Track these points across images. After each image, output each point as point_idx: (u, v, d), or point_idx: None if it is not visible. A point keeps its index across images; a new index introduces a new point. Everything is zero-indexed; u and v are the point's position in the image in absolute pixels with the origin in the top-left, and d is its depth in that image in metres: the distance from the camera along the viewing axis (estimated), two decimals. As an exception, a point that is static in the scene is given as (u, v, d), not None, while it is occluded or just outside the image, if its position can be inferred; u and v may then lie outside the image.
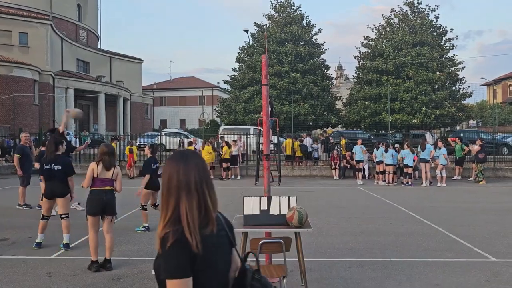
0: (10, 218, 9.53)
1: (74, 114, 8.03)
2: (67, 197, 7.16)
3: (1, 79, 32.48)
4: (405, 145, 16.83)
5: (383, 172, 17.11)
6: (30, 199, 10.97)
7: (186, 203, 1.75)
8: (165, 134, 27.72)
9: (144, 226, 8.40)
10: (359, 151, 17.98)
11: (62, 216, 6.97)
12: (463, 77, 34.02)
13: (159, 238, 1.78)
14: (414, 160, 16.71)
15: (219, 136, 22.97)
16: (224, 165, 18.91)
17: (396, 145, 18.33)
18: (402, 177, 16.87)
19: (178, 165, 1.81)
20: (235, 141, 19.96)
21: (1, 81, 32.46)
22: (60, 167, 6.99)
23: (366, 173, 18.83)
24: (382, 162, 17.04)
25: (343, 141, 20.84)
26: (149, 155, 8.60)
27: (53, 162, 6.98)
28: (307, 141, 21.78)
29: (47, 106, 37.09)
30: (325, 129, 36.35)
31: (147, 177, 8.11)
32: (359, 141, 18.55)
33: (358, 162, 17.92)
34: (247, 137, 21.73)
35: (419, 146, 16.80)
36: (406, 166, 16.48)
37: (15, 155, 11.12)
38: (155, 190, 8.32)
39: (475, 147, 17.98)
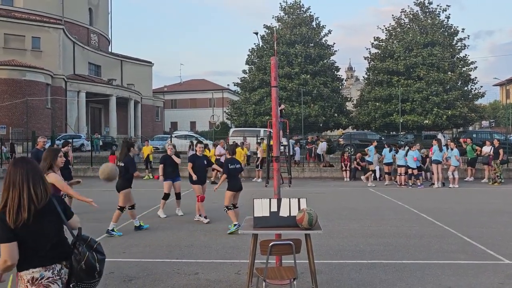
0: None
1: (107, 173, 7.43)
2: (123, 192, 8.19)
3: (14, 83, 32.98)
4: (414, 147, 16.73)
5: (390, 173, 17.21)
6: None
7: (11, 194, 2.71)
8: (175, 136, 27.85)
9: (235, 225, 8.20)
10: (372, 152, 17.83)
11: (118, 207, 8.23)
12: (475, 77, 33.65)
13: None
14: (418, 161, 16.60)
15: (229, 138, 23.03)
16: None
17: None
18: (413, 179, 16.72)
19: (11, 168, 2.80)
20: (259, 143, 19.89)
21: (14, 85, 32.96)
22: (122, 164, 8.21)
23: (377, 175, 18.74)
24: (390, 163, 17.11)
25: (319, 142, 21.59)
26: (228, 156, 8.70)
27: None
28: (322, 146, 21.74)
29: (60, 109, 37.56)
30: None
31: (224, 177, 8.39)
32: (374, 143, 18.62)
33: (370, 163, 17.85)
34: (257, 139, 21.74)
35: (433, 147, 16.59)
36: (410, 167, 16.37)
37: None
38: (236, 191, 8.46)
39: (485, 149, 17.78)
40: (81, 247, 2.84)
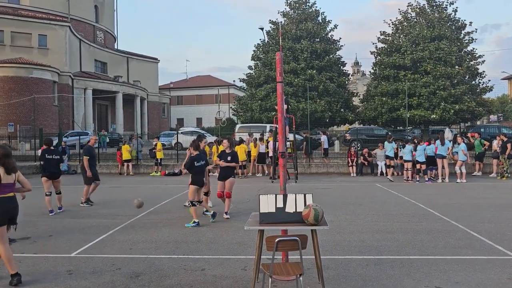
0: (32, 217, 9.70)
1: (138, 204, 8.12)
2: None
3: (21, 80, 33.17)
4: (422, 142, 16.64)
5: (389, 166, 17.32)
6: (69, 199, 11.09)
7: None
8: (182, 133, 27.92)
9: (194, 222, 8.51)
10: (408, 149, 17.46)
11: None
12: (483, 71, 33.32)
13: None
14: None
15: (235, 134, 23.03)
16: (244, 162, 19.07)
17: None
18: (421, 174, 16.61)
19: None
20: (262, 139, 19.90)
21: (21, 83, 33.15)
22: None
23: (384, 170, 18.64)
24: (400, 157, 17.00)
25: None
26: (193, 153, 9.00)
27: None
28: (324, 138, 21.72)
29: (66, 106, 37.76)
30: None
31: (184, 170, 9.04)
32: (391, 138, 18.38)
33: (390, 158, 17.45)
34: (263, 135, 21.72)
35: (436, 142, 16.49)
36: (418, 162, 16.26)
37: (84, 156, 11.26)
38: (200, 186, 8.98)
39: (495, 143, 17.66)
40: None
